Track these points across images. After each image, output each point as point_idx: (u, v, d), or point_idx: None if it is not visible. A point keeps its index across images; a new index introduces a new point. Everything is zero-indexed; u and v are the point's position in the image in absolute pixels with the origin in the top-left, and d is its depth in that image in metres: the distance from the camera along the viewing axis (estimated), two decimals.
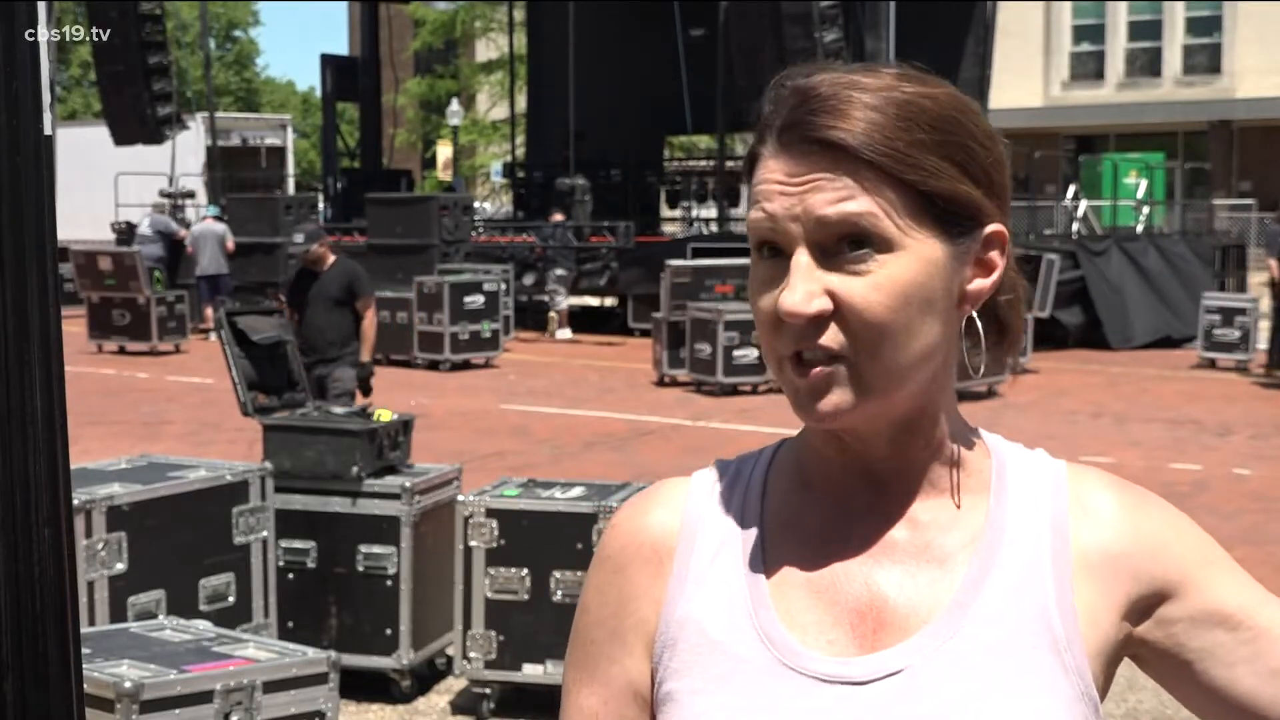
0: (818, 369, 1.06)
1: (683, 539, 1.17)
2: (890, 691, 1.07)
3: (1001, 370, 1.21)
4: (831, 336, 1.05)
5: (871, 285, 1.05)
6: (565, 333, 19.51)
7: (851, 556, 1.12)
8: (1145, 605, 1.11)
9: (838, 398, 1.06)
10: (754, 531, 1.16)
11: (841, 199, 1.05)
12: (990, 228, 1.10)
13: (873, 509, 1.13)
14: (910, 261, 1.06)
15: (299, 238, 8.86)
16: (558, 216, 20.81)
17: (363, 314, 8.74)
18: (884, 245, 1.05)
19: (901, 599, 1.10)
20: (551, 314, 19.72)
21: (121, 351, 17.68)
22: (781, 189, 1.07)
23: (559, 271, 19.57)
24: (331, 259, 8.76)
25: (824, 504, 1.15)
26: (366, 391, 8.66)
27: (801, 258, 1.05)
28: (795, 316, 1.05)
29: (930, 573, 1.11)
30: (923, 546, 1.12)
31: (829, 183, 1.05)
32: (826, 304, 1.05)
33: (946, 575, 1.10)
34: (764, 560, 1.14)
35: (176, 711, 3.46)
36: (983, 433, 1.18)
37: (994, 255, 1.11)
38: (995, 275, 1.12)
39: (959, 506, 1.13)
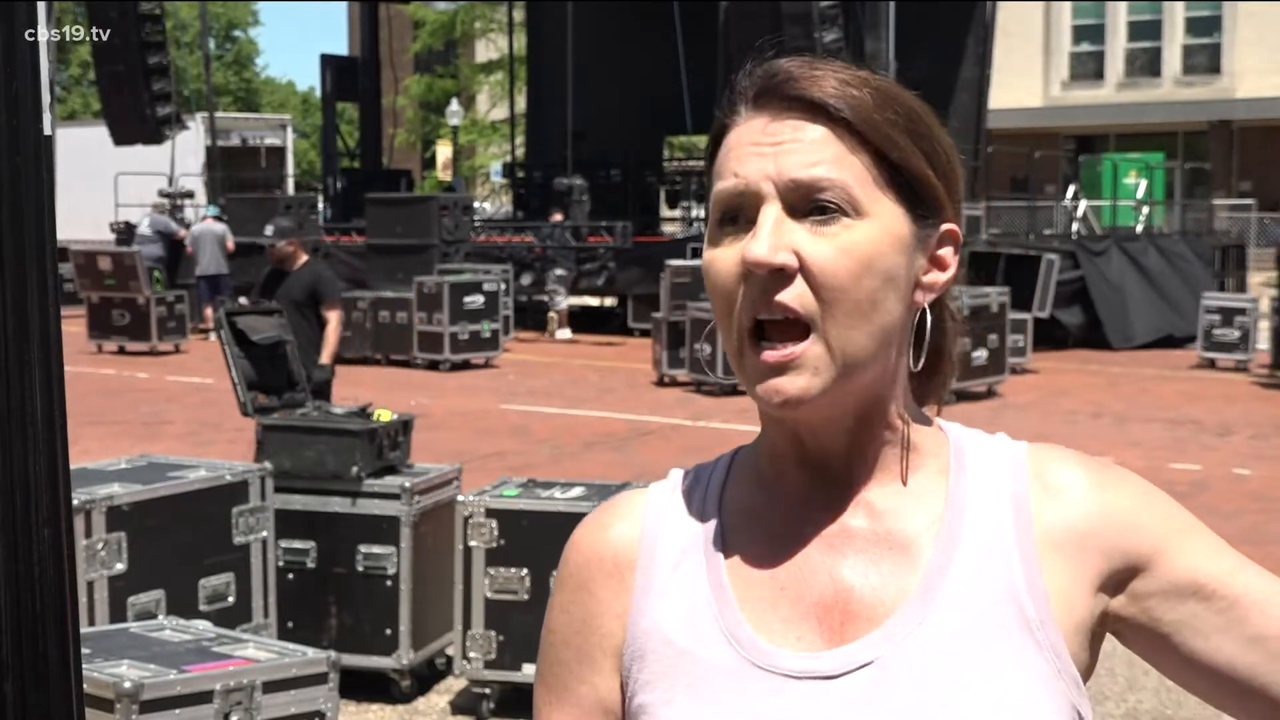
0: (781, 349, 1.05)
1: (643, 550, 1.16)
2: (862, 683, 1.06)
3: (929, 403, 1.20)
4: (794, 296, 1.04)
5: (839, 248, 1.05)
6: (565, 333, 19.51)
7: (813, 551, 1.11)
8: (1117, 580, 1.10)
9: (804, 381, 1.05)
10: (714, 535, 1.15)
11: (815, 162, 1.05)
12: (947, 225, 1.12)
13: (830, 502, 1.12)
14: (877, 230, 1.06)
15: (269, 230, 8.37)
16: (557, 216, 20.82)
17: (327, 319, 8.22)
18: (854, 210, 1.06)
19: (866, 589, 1.09)
20: (551, 314, 19.72)
21: (121, 351, 17.68)
22: (756, 149, 1.07)
23: (559, 271, 19.56)
24: (302, 259, 8.30)
25: (783, 501, 1.14)
26: (325, 398, 7.86)
27: (771, 212, 1.05)
28: (760, 265, 1.04)
29: (893, 560, 1.10)
30: (884, 535, 1.11)
31: (804, 142, 1.06)
32: (792, 259, 1.04)
33: (910, 562, 1.09)
34: (725, 563, 1.13)
35: (176, 711, 3.46)
36: (939, 420, 1.18)
37: (948, 253, 1.13)
38: (949, 273, 1.13)
39: (916, 492, 1.12)
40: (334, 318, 8.32)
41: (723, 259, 1.07)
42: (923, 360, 1.13)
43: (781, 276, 1.04)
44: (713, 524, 1.16)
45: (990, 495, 1.11)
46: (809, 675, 1.07)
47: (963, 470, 1.13)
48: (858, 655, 1.07)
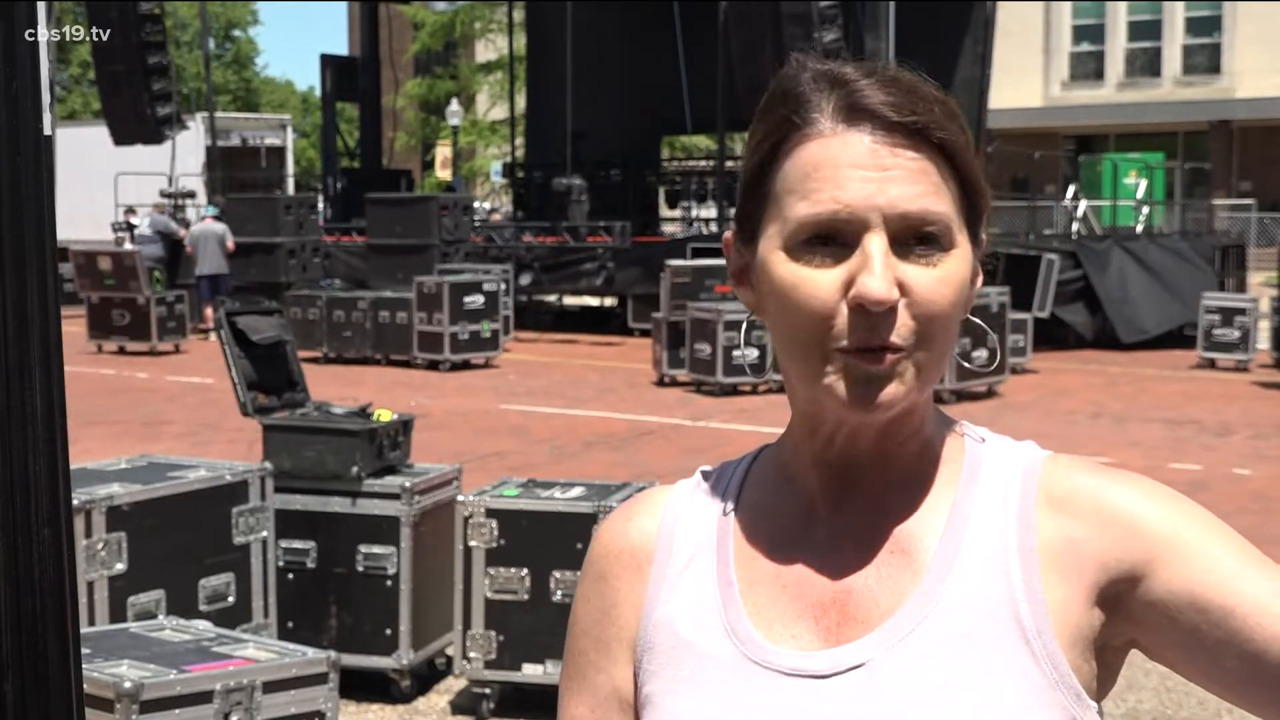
0: (889, 357, 1.04)
1: (660, 544, 1.18)
2: (852, 685, 1.06)
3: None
4: (898, 329, 1.04)
5: (939, 279, 1.05)
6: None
7: (820, 550, 1.12)
8: (1117, 591, 1.06)
9: (896, 388, 1.05)
10: (728, 531, 1.17)
11: (922, 193, 1.05)
12: (984, 236, 1.14)
13: (841, 502, 1.13)
14: (961, 260, 1.08)
15: None
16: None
17: None
18: (948, 242, 1.06)
19: (865, 591, 1.10)
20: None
21: (121, 351, 17.67)
22: (861, 174, 1.04)
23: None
24: None
25: (797, 500, 1.15)
26: None
27: (879, 245, 1.04)
28: (881, 305, 1.03)
29: (895, 565, 1.10)
30: (888, 538, 1.11)
31: (912, 173, 1.05)
32: (897, 293, 1.04)
33: (911, 566, 1.10)
34: (735, 559, 1.15)
35: (176, 711, 3.46)
36: (967, 426, 1.18)
37: (978, 265, 1.15)
38: (978, 284, 1.14)
39: (926, 499, 1.12)
40: None
41: (815, 282, 1.05)
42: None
43: (888, 310, 1.04)
44: (729, 520, 1.17)
45: (997, 505, 1.11)
46: (801, 673, 1.08)
47: (974, 480, 1.13)
48: (850, 657, 1.07)
